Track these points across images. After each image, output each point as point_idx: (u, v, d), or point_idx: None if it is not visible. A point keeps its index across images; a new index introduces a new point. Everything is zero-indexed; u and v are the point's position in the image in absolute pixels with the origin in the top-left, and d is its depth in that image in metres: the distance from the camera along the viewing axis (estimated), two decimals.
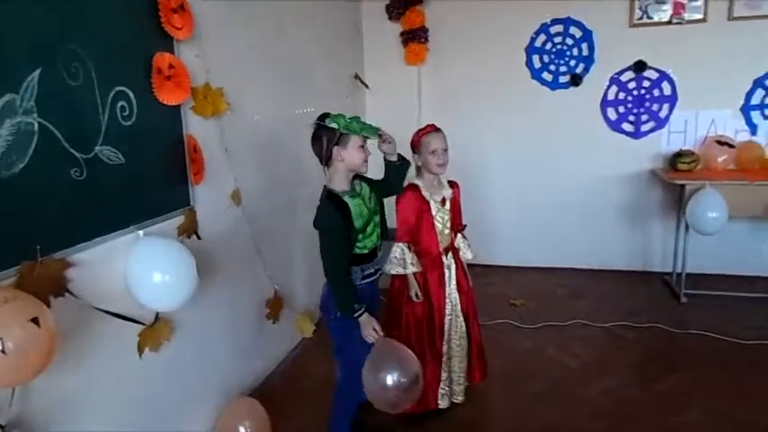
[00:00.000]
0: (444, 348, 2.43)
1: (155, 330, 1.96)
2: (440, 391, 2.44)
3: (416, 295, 2.35)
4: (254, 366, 2.80)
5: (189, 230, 2.16)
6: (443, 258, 2.42)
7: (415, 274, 2.34)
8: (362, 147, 1.94)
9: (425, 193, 2.35)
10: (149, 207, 1.96)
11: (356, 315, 1.96)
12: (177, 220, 2.11)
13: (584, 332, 3.36)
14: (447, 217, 2.40)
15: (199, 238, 2.22)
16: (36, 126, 1.49)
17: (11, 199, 1.43)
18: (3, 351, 1.21)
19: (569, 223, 4.38)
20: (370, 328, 1.97)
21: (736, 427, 2.40)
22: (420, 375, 1.93)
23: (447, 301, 2.43)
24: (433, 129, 2.36)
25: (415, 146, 2.37)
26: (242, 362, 2.65)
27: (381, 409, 1.95)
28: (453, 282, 2.44)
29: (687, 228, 3.60)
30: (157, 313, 1.96)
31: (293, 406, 2.65)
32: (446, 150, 2.33)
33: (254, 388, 2.76)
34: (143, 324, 1.90)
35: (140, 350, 1.91)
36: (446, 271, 2.42)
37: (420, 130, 2.37)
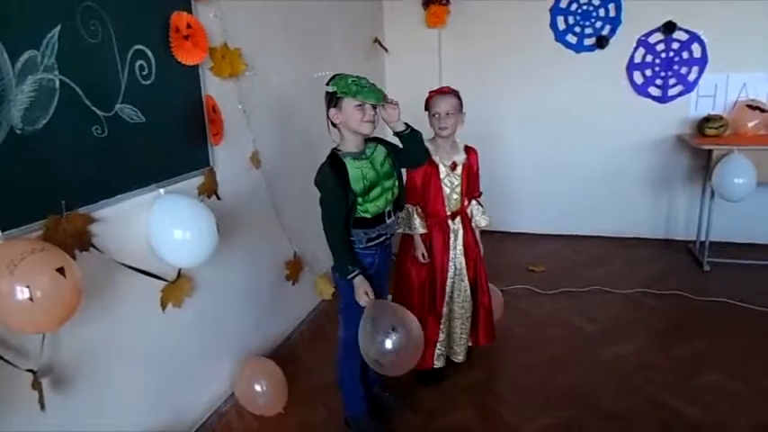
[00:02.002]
0: (445, 310, 2.45)
1: (177, 286, 2.01)
2: (436, 351, 2.48)
3: (423, 256, 2.36)
4: (275, 326, 2.87)
5: (209, 190, 2.19)
6: (450, 223, 2.40)
7: (421, 235, 2.36)
8: (360, 106, 1.86)
9: (435, 157, 2.32)
10: (170, 166, 1.99)
11: (349, 277, 1.94)
12: (197, 180, 2.14)
13: (602, 298, 3.35)
14: (457, 182, 2.37)
15: (218, 198, 2.25)
16: (57, 83, 1.51)
17: (35, 154, 1.47)
18: (30, 299, 1.26)
19: (592, 190, 4.31)
20: (361, 292, 1.94)
21: (754, 390, 2.40)
22: (421, 337, 1.92)
23: (450, 264, 2.42)
24: (439, 92, 2.30)
25: (426, 107, 2.35)
26: (262, 321, 2.72)
27: (378, 371, 1.94)
28: (460, 247, 2.43)
29: (713, 194, 3.53)
30: (179, 270, 2.01)
31: (313, 366, 2.72)
32: (450, 114, 2.27)
33: (275, 347, 2.83)
34: (165, 280, 1.95)
35: (163, 305, 1.96)
36: (452, 235, 2.41)
37: (432, 90, 2.33)
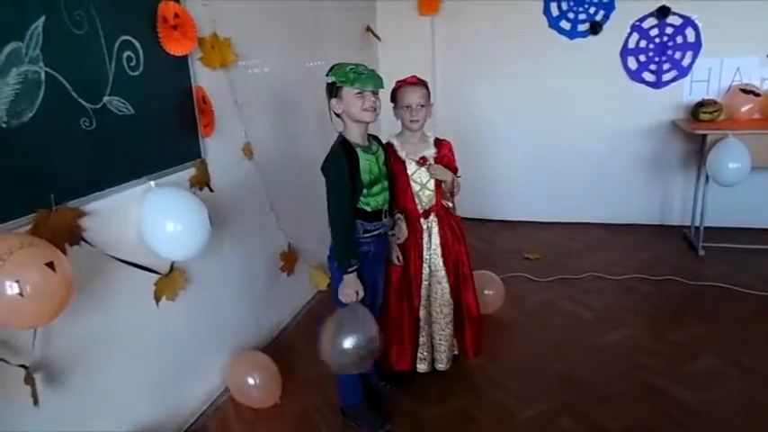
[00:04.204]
0: (422, 313, 2.35)
1: (170, 280, 2.00)
2: (418, 355, 2.40)
3: (397, 258, 2.25)
4: (271, 318, 2.86)
5: (201, 182, 2.18)
6: (422, 221, 2.28)
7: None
8: (360, 94, 1.84)
9: (401, 153, 2.22)
10: (160, 158, 1.97)
11: (348, 270, 1.91)
12: (188, 172, 2.12)
13: (598, 285, 3.36)
14: (427, 178, 2.24)
15: (211, 190, 2.23)
16: (43, 75, 1.49)
17: (22, 148, 1.45)
18: (20, 294, 1.24)
19: (586, 177, 4.31)
20: (352, 290, 1.92)
21: (749, 373, 2.41)
22: (376, 345, 1.93)
23: (424, 265, 2.30)
24: (409, 82, 2.18)
25: (393, 98, 2.22)
26: (258, 313, 2.71)
27: (335, 370, 1.97)
28: (435, 246, 2.30)
29: (707, 179, 3.53)
30: (172, 263, 1.99)
31: (309, 356, 2.70)
32: (423, 106, 2.16)
33: (271, 339, 2.83)
34: (158, 273, 1.94)
35: (157, 299, 1.95)
36: (425, 234, 2.29)
37: (399, 80, 2.20)
